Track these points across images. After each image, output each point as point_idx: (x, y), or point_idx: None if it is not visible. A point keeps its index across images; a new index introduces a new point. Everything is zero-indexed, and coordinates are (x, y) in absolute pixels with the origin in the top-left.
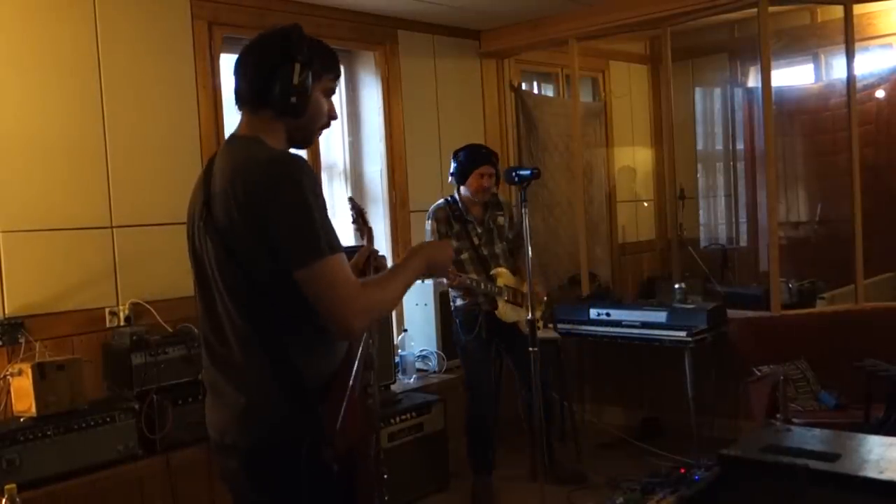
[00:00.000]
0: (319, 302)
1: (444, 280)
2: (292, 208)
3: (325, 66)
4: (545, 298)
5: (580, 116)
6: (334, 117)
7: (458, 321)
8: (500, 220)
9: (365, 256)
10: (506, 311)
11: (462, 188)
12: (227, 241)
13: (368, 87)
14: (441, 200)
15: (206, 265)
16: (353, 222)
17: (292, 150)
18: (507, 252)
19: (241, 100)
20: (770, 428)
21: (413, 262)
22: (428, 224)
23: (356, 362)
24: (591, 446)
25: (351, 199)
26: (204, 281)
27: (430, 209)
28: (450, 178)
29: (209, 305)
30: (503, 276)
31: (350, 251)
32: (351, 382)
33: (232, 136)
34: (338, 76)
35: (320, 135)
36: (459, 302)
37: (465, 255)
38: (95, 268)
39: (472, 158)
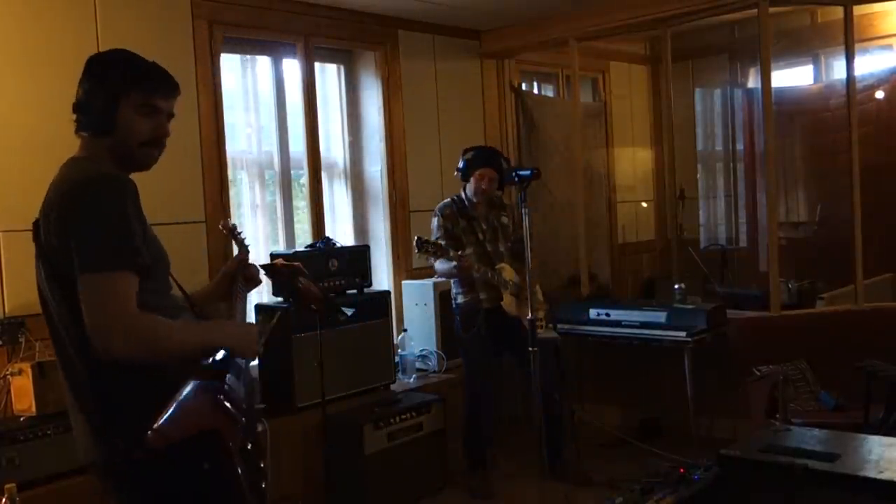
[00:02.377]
0: (85, 312)
1: (454, 266)
2: (86, 221)
3: (130, 84)
4: (541, 298)
5: (580, 117)
6: (159, 135)
7: (457, 318)
8: (504, 220)
9: (235, 263)
10: (511, 303)
11: (466, 186)
12: (51, 261)
13: (369, 87)
14: (448, 199)
15: (42, 287)
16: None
17: (109, 171)
18: (510, 251)
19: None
20: (769, 428)
21: (216, 333)
22: (434, 220)
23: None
24: (591, 446)
25: (225, 223)
26: (44, 304)
27: (437, 206)
28: (455, 173)
29: (51, 326)
30: (507, 271)
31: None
32: (188, 389)
33: (70, 158)
34: (151, 92)
35: (153, 155)
36: (461, 299)
37: (469, 251)
38: None
39: (475, 159)
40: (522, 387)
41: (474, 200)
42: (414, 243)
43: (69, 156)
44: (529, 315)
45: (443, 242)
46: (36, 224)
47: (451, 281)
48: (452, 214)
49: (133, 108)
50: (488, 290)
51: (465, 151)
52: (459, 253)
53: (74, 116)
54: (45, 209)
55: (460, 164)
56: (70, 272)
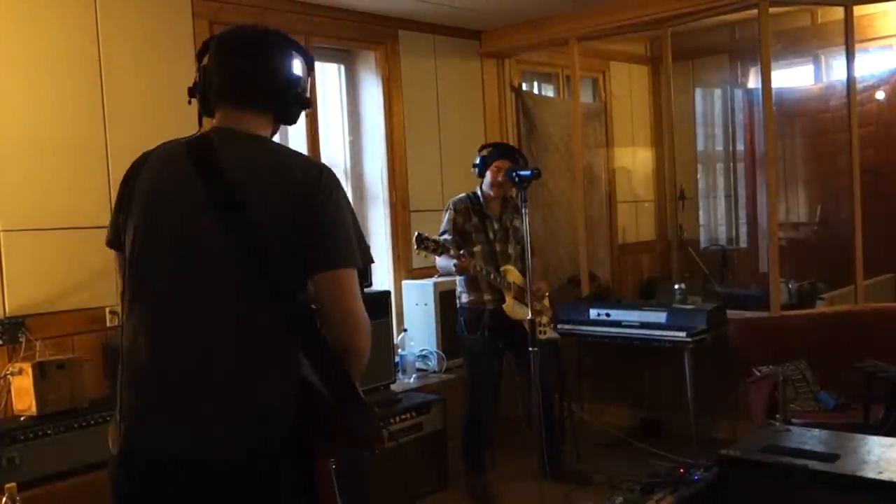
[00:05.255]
0: (344, 307)
1: (453, 264)
2: (346, 213)
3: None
4: (547, 294)
5: (580, 117)
6: None
7: (462, 319)
8: (517, 222)
9: None
10: (512, 307)
11: (484, 183)
12: (259, 237)
13: (369, 86)
14: (462, 194)
15: (201, 259)
16: None
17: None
18: (518, 254)
19: (244, 93)
20: (769, 428)
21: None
22: (447, 214)
23: None
24: (591, 446)
25: None
26: (189, 275)
27: (450, 200)
28: (472, 170)
29: (192, 303)
30: (511, 273)
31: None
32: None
33: (232, 129)
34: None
35: None
36: (465, 299)
37: (477, 248)
38: (95, 267)
39: (492, 153)
40: (522, 388)
41: (490, 194)
42: (413, 239)
43: (70, 155)
44: (529, 315)
45: (448, 238)
46: (235, 198)
47: (457, 280)
48: (466, 210)
49: None
50: (493, 292)
51: (482, 148)
52: (461, 252)
53: (256, 85)
54: (261, 184)
55: (477, 160)
56: (282, 257)
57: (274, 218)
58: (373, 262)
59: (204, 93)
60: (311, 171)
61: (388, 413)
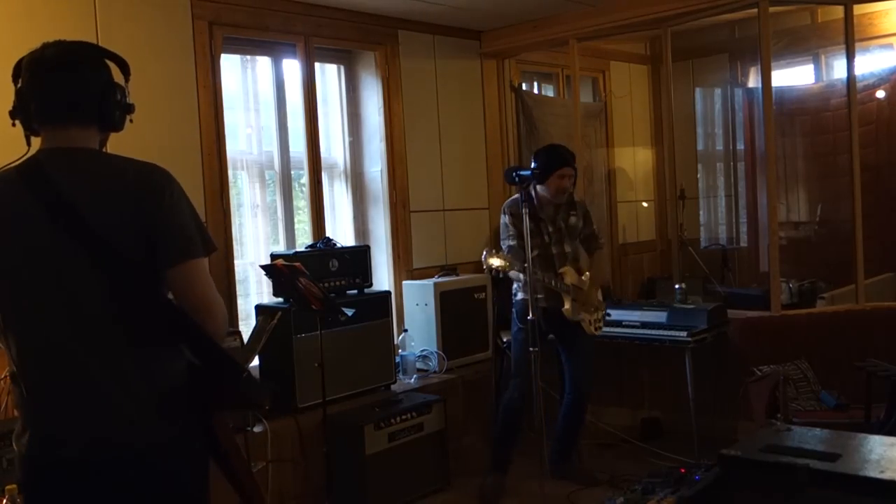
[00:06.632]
0: (198, 294)
1: (521, 274)
2: (185, 207)
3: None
4: (601, 298)
5: (580, 116)
6: None
7: (515, 311)
8: (573, 219)
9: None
10: (572, 310)
11: (539, 187)
12: (110, 247)
13: (369, 87)
14: (515, 196)
15: (60, 277)
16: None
17: None
18: (575, 252)
19: (64, 111)
20: (770, 428)
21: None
22: (505, 218)
23: None
24: (591, 446)
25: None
26: (54, 294)
27: (504, 204)
28: (528, 174)
29: (62, 311)
30: (569, 274)
31: None
32: None
33: (59, 148)
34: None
35: None
36: (520, 295)
37: (535, 253)
38: None
39: (555, 159)
40: (567, 385)
41: (550, 199)
42: (483, 256)
43: None
44: (531, 316)
45: (512, 244)
46: (75, 213)
47: (514, 280)
48: (520, 213)
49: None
50: (547, 293)
51: (538, 153)
52: (525, 265)
53: (79, 102)
54: (98, 194)
55: (533, 165)
56: (134, 257)
57: (116, 224)
58: (215, 249)
59: (25, 115)
60: (143, 173)
61: (389, 413)
